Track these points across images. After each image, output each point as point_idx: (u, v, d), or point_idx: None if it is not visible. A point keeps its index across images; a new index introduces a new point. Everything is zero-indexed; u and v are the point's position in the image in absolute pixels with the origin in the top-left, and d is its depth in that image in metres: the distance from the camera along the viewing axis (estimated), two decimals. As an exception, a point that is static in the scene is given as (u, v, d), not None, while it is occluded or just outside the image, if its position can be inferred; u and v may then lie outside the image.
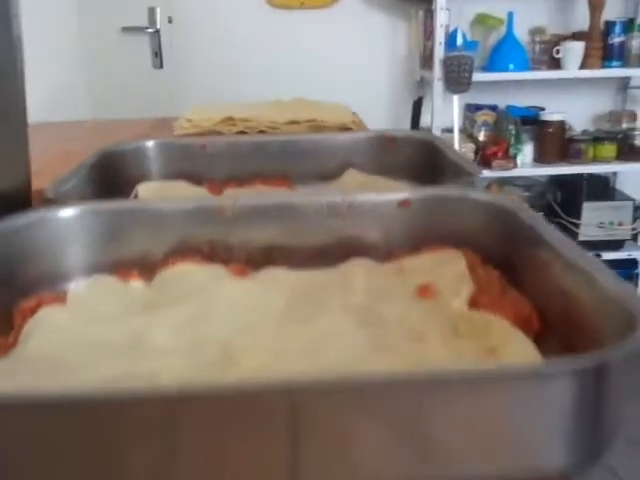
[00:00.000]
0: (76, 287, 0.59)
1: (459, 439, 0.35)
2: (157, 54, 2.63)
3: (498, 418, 0.34)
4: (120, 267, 0.62)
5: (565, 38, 2.40)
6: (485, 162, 2.38)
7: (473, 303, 0.54)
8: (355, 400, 0.34)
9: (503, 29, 2.42)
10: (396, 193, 0.64)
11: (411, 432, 0.35)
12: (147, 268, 0.62)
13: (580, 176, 2.50)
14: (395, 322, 0.52)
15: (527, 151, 2.45)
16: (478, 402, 0.34)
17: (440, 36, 2.26)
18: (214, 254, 0.63)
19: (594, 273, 0.45)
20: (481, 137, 2.50)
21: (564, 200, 2.57)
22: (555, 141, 2.43)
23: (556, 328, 0.49)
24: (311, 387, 0.34)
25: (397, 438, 0.35)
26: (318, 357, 0.46)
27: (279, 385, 0.34)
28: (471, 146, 2.44)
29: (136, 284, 0.59)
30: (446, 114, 2.27)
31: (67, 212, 0.60)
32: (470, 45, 2.34)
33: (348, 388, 0.34)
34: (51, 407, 0.33)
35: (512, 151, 2.42)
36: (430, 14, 2.33)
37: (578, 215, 2.48)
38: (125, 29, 2.50)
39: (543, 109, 2.49)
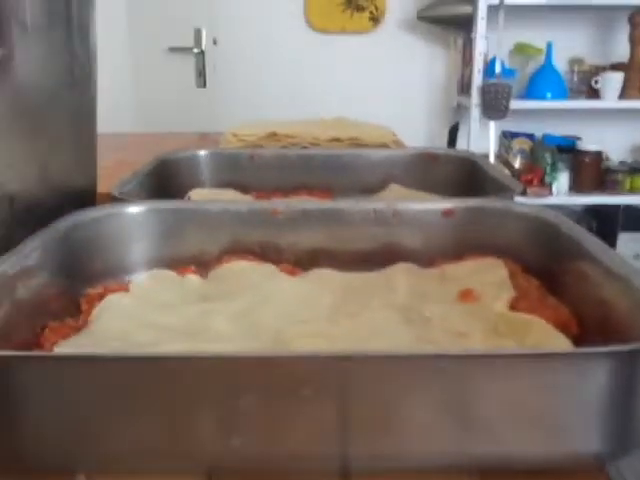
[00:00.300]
0: (137, 279, 0.63)
1: (499, 418, 0.37)
2: (201, 74, 2.72)
3: (537, 398, 0.37)
4: (177, 263, 0.66)
5: (604, 68, 2.42)
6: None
7: (513, 309, 0.57)
8: (402, 371, 0.37)
9: (542, 58, 2.45)
10: (440, 203, 0.67)
11: (453, 409, 0.37)
12: (202, 265, 0.66)
13: (616, 206, 2.49)
14: (437, 321, 0.54)
15: (563, 180, 2.45)
16: (519, 381, 0.36)
17: (479, 64, 2.30)
18: (265, 255, 0.66)
19: (634, 281, 0.47)
20: (517, 164, 2.52)
21: (599, 230, 2.56)
22: (591, 171, 2.44)
23: (595, 335, 0.51)
24: (362, 357, 0.37)
25: (440, 413, 0.38)
26: (366, 346, 0.49)
27: (332, 353, 0.37)
28: (507, 173, 2.46)
29: (193, 278, 0.63)
30: (482, 140, 2.30)
31: (133, 209, 0.65)
32: (508, 73, 2.37)
33: (397, 359, 0.37)
34: (132, 364, 0.37)
35: (548, 179, 2.43)
36: (469, 42, 2.37)
37: (613, 246, 2.47)
38: (172, 49, 2.60)
39: (580, 139, 2.50)
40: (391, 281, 0.62)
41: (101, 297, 0.58)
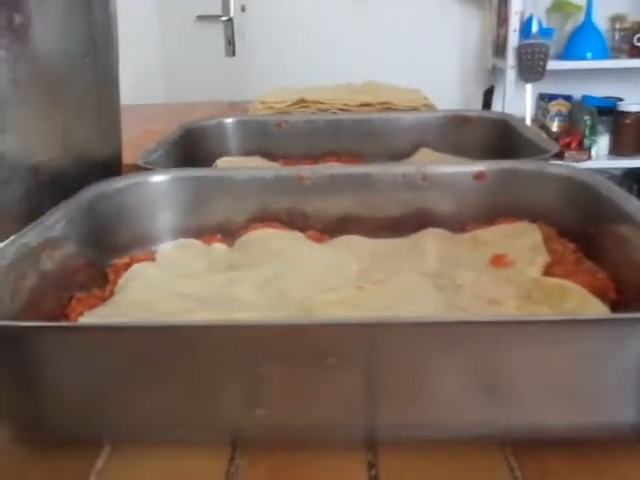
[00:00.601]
0: (164, 248, 0.63)
1: (532, 387, 0.36)
2: (230, 42, 2.69)
3: (573, 367, 0.35)
4: (203, 232, 0.65)
5: (647, 25, 2.32)
6: (557, 153, 2.32)
7: (547, 274, 0.55)
8: (432, 339, 0.36)
9: (581, 16, 2.35)
10: (472, 166, 0.64)
11: (484, 378, 0.36)
12: (228, 234, 0.65)
13: (658, 169, 2.41)
14: (469, 288, 0.53)
15: (602, 143, 2.38)
16: (553, 349, 0.35)
17: (514, 23, 2.22)
18: (292, 222, 0.65)
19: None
20: (554, 127, 2.45)
21: (640, 194, 2.49)
22: (633, 132, 2.36)
23: (634, 302, 0.49)
24: (390, 324, 0.36)
25: (471, 381, 0.36)
26: (395, 314, 0.47)
27: (359, 321, 0.36)
28: (543, 135, 2.39)
29: (219, 246, 0.63)
30: (518, 103, 2.23)
31: (157, 178, 0.64)
32: (545, 32, 2.29)
33: (426, 326, 0.36)
34: (155, 333, 0.36)
35: (586, 142, 2.36)
36: (504, 0, 2.29)
37: (655, 210, 2.39)
38: (200, 17, 2.57)
39: (621, 100, 2.41)
40: (421, 247, 0.60)
41: (127, 267, 0.58)
